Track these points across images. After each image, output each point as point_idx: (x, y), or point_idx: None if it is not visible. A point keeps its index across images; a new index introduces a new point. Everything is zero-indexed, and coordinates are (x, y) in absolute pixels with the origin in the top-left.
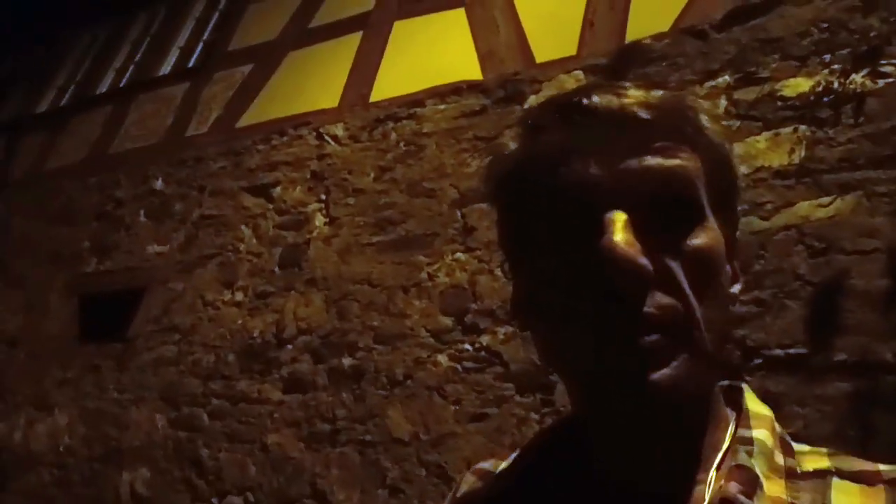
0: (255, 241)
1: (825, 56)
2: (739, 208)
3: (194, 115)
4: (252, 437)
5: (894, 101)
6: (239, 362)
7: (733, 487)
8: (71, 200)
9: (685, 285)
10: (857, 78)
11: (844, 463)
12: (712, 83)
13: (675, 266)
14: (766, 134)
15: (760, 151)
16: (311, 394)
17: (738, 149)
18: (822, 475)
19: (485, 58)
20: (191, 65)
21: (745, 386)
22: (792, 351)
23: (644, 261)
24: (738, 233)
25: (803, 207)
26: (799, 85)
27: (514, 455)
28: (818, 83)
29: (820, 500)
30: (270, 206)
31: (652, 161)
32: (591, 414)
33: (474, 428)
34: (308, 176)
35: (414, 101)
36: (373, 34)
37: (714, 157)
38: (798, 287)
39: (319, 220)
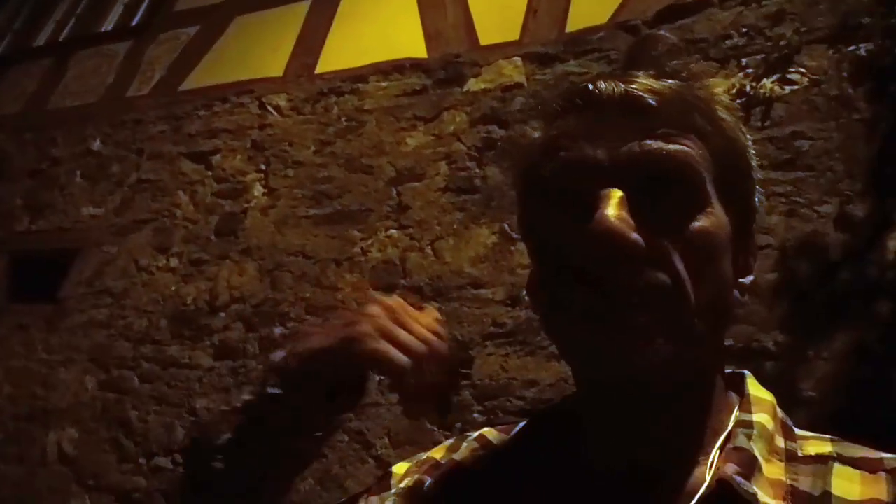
0: (191, 207)
1: (742, 60)
2: (758, 199)
3: (136, 75)
4: (181, 400)
5: (798, 108)
6: (171, 328)
7: (730, 468)
8: (5, 155)
9: (679, 265)
10: (768, 83)
11: (847, 449)
12: None
13: (672, 247)
14: None
15: None
16: (241, 361)
17: None
18: (823, 460)
19: (431, 37)
20: (135, 22)
21: (747, 372)
22: None
23: (635, 236)
24: (755, 220)
25: None
26: (717, 86)
27: (517, 429)
28: (733, 85)
29: (820, 483)
30: (209, 174)
31: (654, 145)
32: (587, 392)
33: (395, 397)
34: (248, 145)
35: (358, 77)
36: (322, 5)
37: (725, 147)
38: None
39: (258, 190)
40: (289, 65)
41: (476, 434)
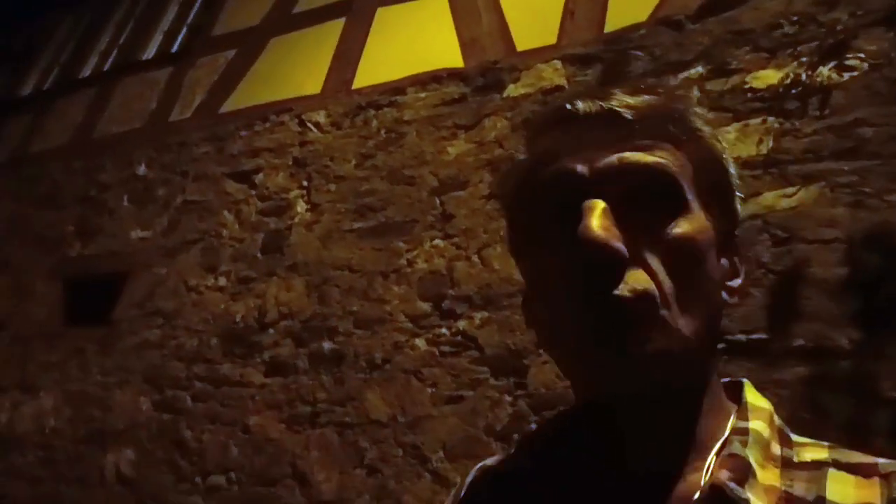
0: (237, 226)
1: (794, 49)
2: (739, 205)
3: (178, 99)
4: (234, 418)
5: (858, 94)
6: (222, 346)
7: (724, 475)
8: (56, 184)
9: (662, 271)
10: (824, 71)
11: (843, 455)
12: (685, 74)
13: (654, 253)
14: (735, 125)
15: (730, 142)
16: (292, 377)
17: None
18: (819, 466)
19: (467, 45)
20: (175, 49)
21: (745, 381)
22: (753, 337)
23: (617, 244)
24: (737, 229)
25: (768, 198)
26: (768, 77)
27: (513, 450)
28: (787, 75)
29: (815, 489)
30: (253, 192)
31: (631, 157)
32: (582, 398)
33: (450, 410)
34: (290, 162)
35: (395, 89)
36: (356, 20)
37: (702, 155)
38: (761, 275)
39: (301, 206)
40: (326, 81)
41: (472, 471)
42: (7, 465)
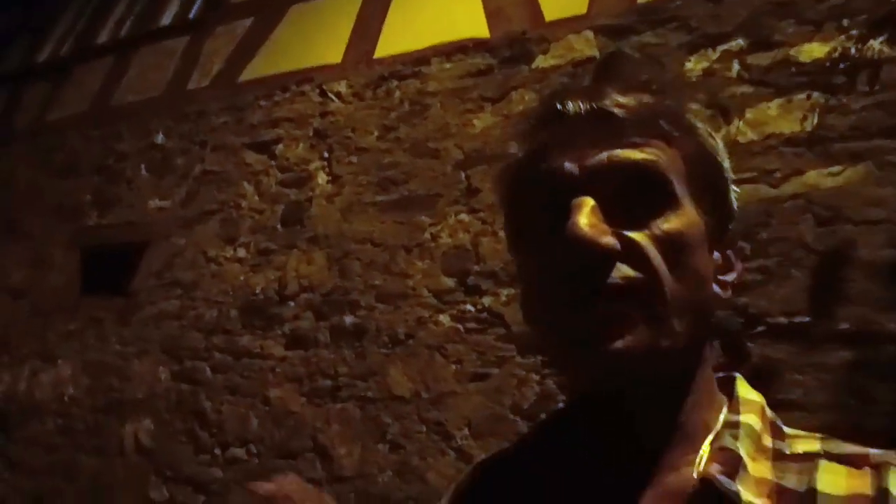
0: (257, 197)
1: (842, 21)
2: (734, 199)
3: (196, 68)
4: (254, 391)
5: None
6: (241, 318)
7: (714, 468)
8: (73, 153)
9: (654, 263)
10: (875, 44)
11: (835, 447)
12: (724, 47)
13: (646, 243)
14: (778, 100)
15: (771, 118)
16: (312, 350)
17: (749, 115)
18: (810, 457)
19: (492, 15)
20: (191, 16)
21: (738, 375)
22: (795, 319)
23: (607, 239)
24: (731, 224)
25: (812, 176)
26: (813, 50)
27: (511, 447)
28: (834, 49)
29: (806, 480)
30: (273, 163)
31: (620, 154)
32: (575, 390)
33: (475, 387)
34: (310, 133)
35: (419, 59)
36: None
37: (696, 151)
38: (803, 256)
39: (322, 178)
40: (347, 51)
41: (470, 468)
42: (26, 432)
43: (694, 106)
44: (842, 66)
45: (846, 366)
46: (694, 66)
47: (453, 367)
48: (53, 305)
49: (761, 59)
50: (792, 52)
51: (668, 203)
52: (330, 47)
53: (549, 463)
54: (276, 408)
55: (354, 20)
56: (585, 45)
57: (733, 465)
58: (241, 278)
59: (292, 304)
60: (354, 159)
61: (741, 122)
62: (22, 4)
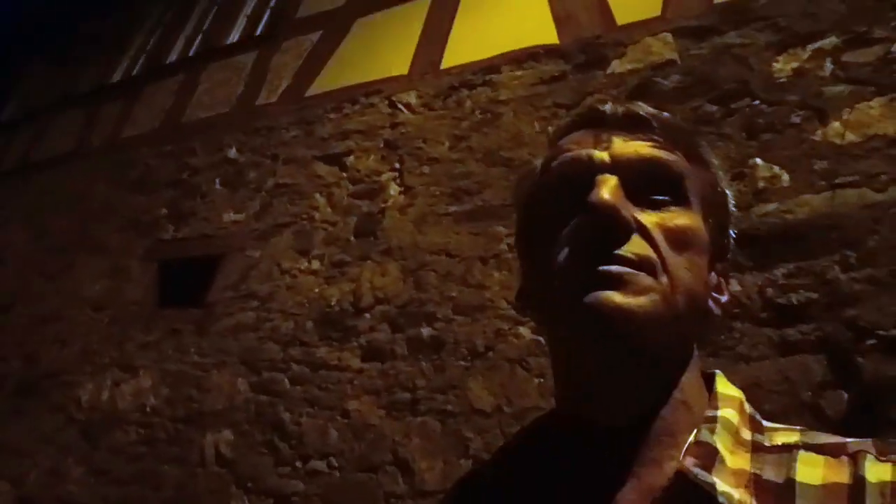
0: (329, 209)
1: None
2: (732, 242)
3: (264, 83)
4: (332, 403)
5: None
6: (317, 330)
7: (689, 461)
8: (148, 168)
9: (663, 244)
10: None
11: (813, 438)
12: (816, 45)
13: (657, 230)
14: (879, 100)
15: (874, 119)
16: (389, 363)
17: (848, 115)
18: (788, 449)
19: (561, 21)
20: (258, 32)
21: (718, 372)
22: None
23: (626, 213)
24: (726, 256)
25: None
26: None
27: (489, 461)
28: None
29: (784, 471)
30: (344, 175)
31: (646, 148)
32: (565, 359)
33: None
34: (381, 145)
35: (489, 68)
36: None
37: (706, 178)
38: None
39: (394, 189)
40: (414, 62)
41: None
42: (109, 441)
43: (705, 144)
44: None
45: None
46: (783, 65)
47: (536, 381)
48: (131, 317)
49: (859, 56)
50: (893, 48)
51: (682, 202)
52: (396, 59)
53: (529, 469)
54: (355, 420)
55: (420, 31)
56: (664, 48)
57: (709, 458)
58: (316, 290)
59: (368, 315)
60: (426, 170)
61: (838, 123)
62: (93, 25)
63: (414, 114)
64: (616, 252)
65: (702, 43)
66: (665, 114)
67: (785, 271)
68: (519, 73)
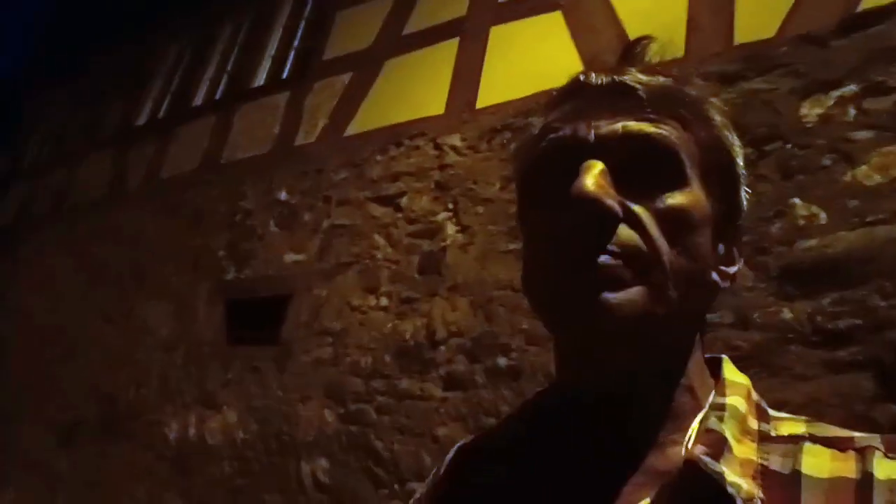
0: (390, 249)
1: None
2: (744, 197)
3: (301, 123)
4: (421, 430)
5: None
6: (397, 362)
7: (699, 449)
8: (197, 209)
9: (655, 232)
10: None
11: (820, 430)
12: (837, 92)
13: (648, 216)
14: None
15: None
16: (471, 391)
17: (873, 160)
18: (795, 440)
19: (588, 62)
20: (286, 74)
21: (725, 357)
22: None
23: (611, 202)
24: (738, 219)
25: None
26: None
27: (492, 429)
28: None
29: (790, 462)
30: (399, 216)
31: (634, 126)
32: (562, 374)
33: None
34: (432, 185)
35: (527, 110)
36: (470, 40)
37: (710, 140)
38: None
39: (451, 228)
40: (449, 101)
41: (451, 451)
42: (206, 475)
43: (714, 100)
44: None
45: None
46: (809, 111)
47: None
48: (206, 356)
49: (877, 103)
50: None
51: (676, 180)
52: (431, 98)
53: (531, 447)
54: (445, 445)
55: (451, 72)
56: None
57: (718, 447)
58: (389, 325)
59: (443, 348)
60: (481, 209)
61: (866, 166)
62: (113, 64)
63: (460, 156)
64: (601, 245)
65: (729, 88)
66: (659, 78)
67: (830, 300)
68: None
